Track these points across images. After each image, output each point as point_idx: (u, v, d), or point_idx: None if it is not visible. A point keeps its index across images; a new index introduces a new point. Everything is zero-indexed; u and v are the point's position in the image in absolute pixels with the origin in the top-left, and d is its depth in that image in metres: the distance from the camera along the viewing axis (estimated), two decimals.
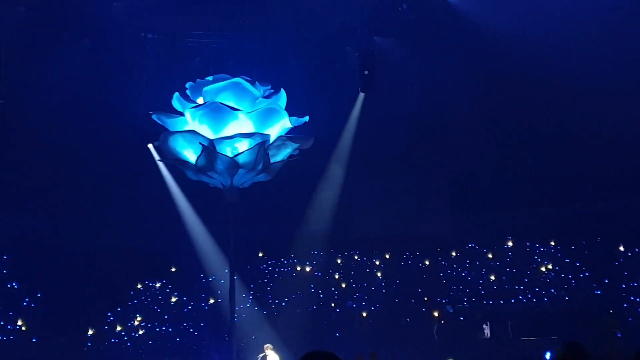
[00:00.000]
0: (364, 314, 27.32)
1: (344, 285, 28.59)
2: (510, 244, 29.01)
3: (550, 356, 18.29)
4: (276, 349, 21.60)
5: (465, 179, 29.74)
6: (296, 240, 29.10)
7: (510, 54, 25.49)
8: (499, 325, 26.14)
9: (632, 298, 25.63)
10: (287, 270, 29.07)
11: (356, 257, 29.61)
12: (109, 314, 27.91)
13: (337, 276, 29.00)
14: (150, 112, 21.33)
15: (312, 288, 28.19)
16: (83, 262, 28.39)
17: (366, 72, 25.92)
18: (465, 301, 27.37)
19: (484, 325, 25.85)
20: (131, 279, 28.73)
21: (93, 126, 27.23)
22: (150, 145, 25.04)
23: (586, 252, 27.71)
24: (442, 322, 26.57)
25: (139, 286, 28.99)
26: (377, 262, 29.28)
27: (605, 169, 27.13)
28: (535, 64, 25.57)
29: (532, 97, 27.23)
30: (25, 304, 27.18)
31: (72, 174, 28.54)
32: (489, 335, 25.81)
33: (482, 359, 24.74)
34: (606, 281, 26.56)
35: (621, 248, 27.41)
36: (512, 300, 27.01)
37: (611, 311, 25.31)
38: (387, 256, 29.46)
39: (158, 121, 21.40)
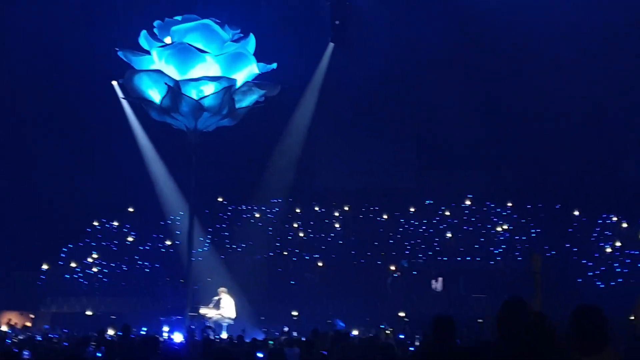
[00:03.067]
0: (320, 264, 27.46)
1: (302, 235, 28.74)
2: (468, 202, 29.37)
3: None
4: (231, 292, 21.66)
5: (430, 137, 29.93)
6: (257, 187, 29.08)
7: (489, 13, 25.43)
8: (451, 281, 26.47)
9: (583, 261, 26.12)
10: (246, 216, 29.13)
11: (316, 208, 29.77)
12: (64, 249, 27.79)
13: (295, 225, 29.13)
14: (116, 49, 21.01)
15: (270, 235, 28.24)
16: (41, 200, 28.16)
17: (337, 22, 25.77)
18: (420, 256, 27.65)
19: (434, 280, 26.17)
20: (88, 217, 28.60)
21: (56, 61, 26.79)
22: (114, 83, 24.65)
23: (542, 215, 28.15)
24: (397, 275, 26.81)
25: (96, 223, 28.91)
26: (337, 214, 29.46)
27: (567, 136, 27.53)
28: (513, 25, 25.57)
29: (504, 59, 27.35)
30: None
31: (33, 110, 28.15)
32: (439, 289, 26.15)
33: (432, 313, 25.06)
34: (560, 244, 27.01)
35: (576, 212, 27.93)
36: (468, 258, 27.34)
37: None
38: (347, 208, 29.67)
39: (123, 58, 21.08)
